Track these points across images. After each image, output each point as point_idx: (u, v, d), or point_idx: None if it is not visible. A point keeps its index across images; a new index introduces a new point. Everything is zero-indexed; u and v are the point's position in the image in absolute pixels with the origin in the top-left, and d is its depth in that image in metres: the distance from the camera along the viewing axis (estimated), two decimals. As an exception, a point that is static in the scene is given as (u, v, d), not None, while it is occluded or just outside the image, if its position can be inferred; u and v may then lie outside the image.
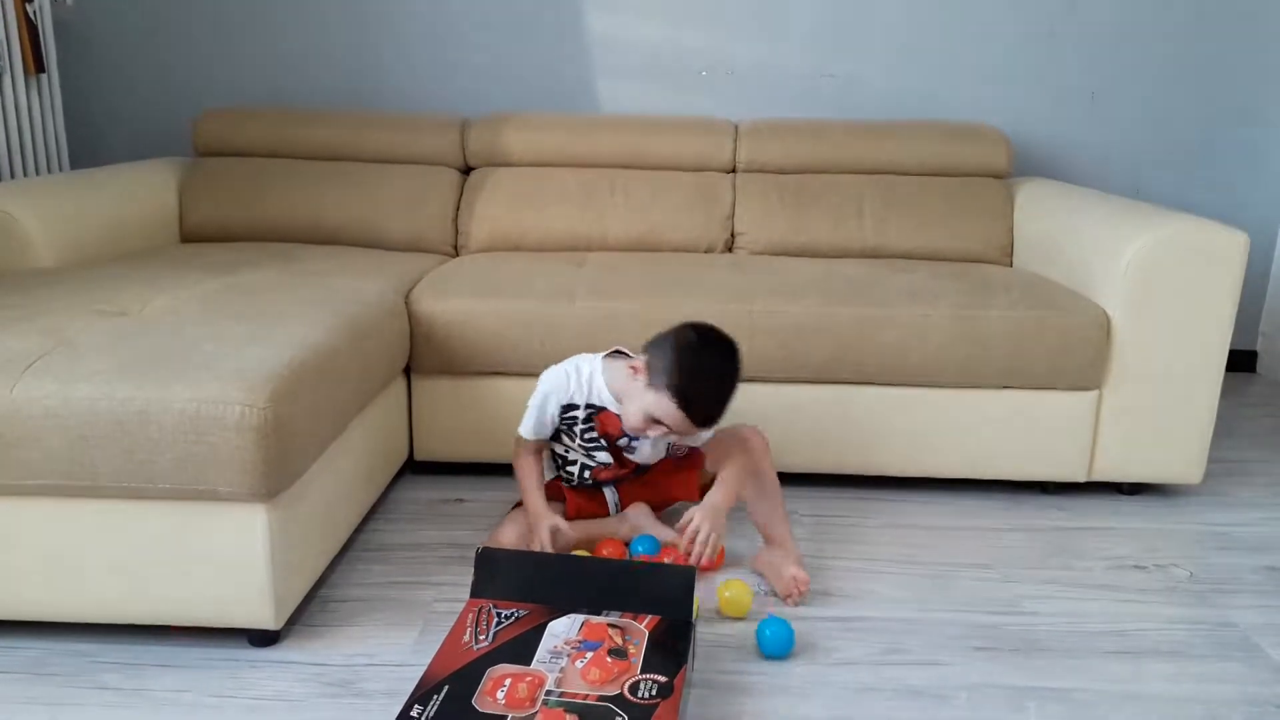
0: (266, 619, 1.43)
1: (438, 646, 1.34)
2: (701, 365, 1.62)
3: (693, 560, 1.63)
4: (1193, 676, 1.46)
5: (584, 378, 1.73)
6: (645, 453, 1.78)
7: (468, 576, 1.46)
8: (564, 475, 1.84)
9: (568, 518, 1.76)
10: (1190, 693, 1.42)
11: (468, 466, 2.10)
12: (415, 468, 2.13)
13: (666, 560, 1.66)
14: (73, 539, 1.39)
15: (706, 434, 1.76)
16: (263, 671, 1.42)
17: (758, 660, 1.47)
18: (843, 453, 2.05)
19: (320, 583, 1.65)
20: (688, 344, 1.63)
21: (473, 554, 1.47)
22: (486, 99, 2.80)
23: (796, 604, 1.62)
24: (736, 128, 2.64)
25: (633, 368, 1.68)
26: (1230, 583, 1.75)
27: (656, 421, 1.63)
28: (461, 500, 2.01)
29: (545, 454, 1.86)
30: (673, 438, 1.70)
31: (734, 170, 2.62)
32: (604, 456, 1.78)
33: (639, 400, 1.64)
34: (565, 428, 1.77)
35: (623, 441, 1.76)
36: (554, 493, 1.81)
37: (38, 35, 2.58)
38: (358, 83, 2.83)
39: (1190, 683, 1.44)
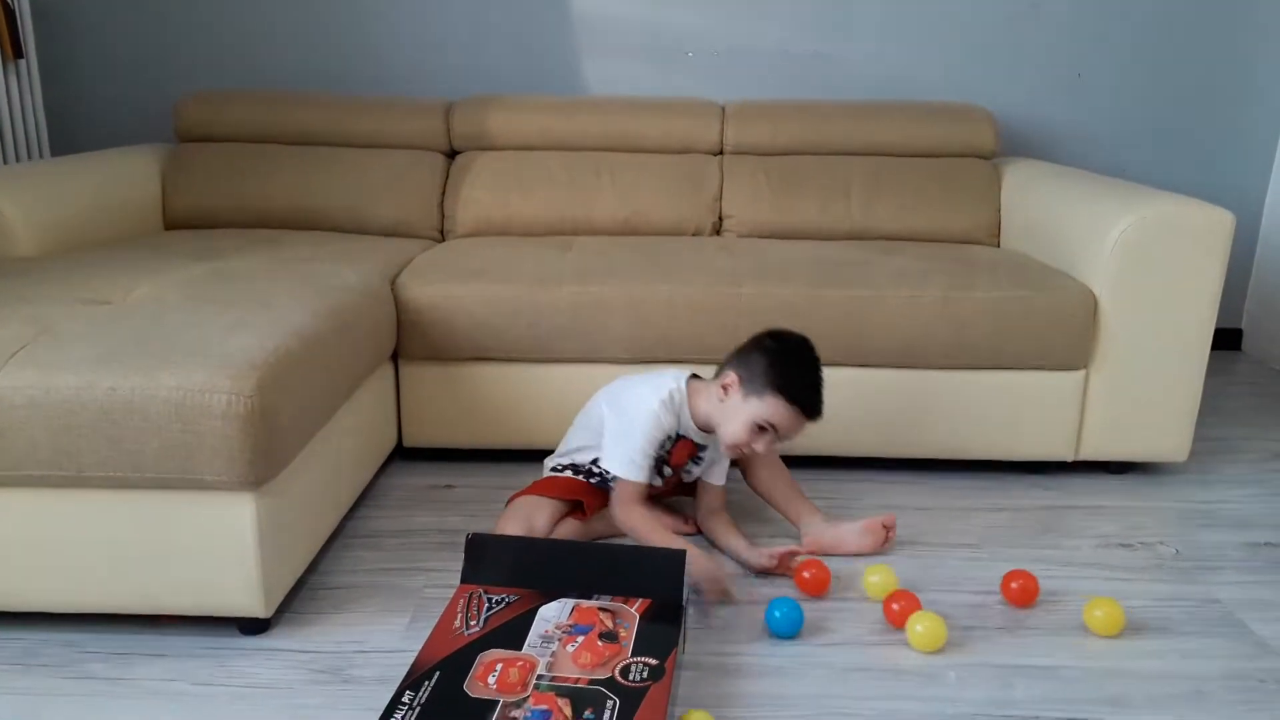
0: (256, 607, 1.43)
1: (428, 632, 1.34)
2: (796, 362, 1.67)
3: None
4: (1178, 652, 1.47)
5: (676, 409, 1.71)
6: (695, 474, 1.82)
7: (458, 562, 1.46)
8: (591, 474, 1.78)
9: (586, 516, 1.74)
10: (1175, 668, 1.43)
11: (457, 452, 2.10)
12: (404, 454, 2.12)
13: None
14: (59, 529, 1.38)
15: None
16: (252, 659, 1.42)
17: (747, 641, 1.48)
18: (830, 434, 2.04)
19: (310, 570, 1.65)
20: (774, 347, 1.68)
21: (463, 539, 1.47)
22: (471, 81, 2.78)
23: (891, 548, 1.73)
24: (723, 109, 2.63)
25: (723, 387, 1.68)
26: (1215, 559, 1.77)
27: (762, 429, 1.65)
28: (451, 486, 2.01)
29: (564, 460, 1.83)
30: (762, 446, 1.67)
31: (721, 152, 2.61)
32: (658, 481, 1.76)
33: (740, 415, 1.65)
34: None
35: (687, 469, 1.79)
36: (550, 489, 1.76)
37: (15, 20, 2.55)
38: (341, 66, 2.80)
39: (1175, 658, 1.46)
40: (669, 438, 1.72)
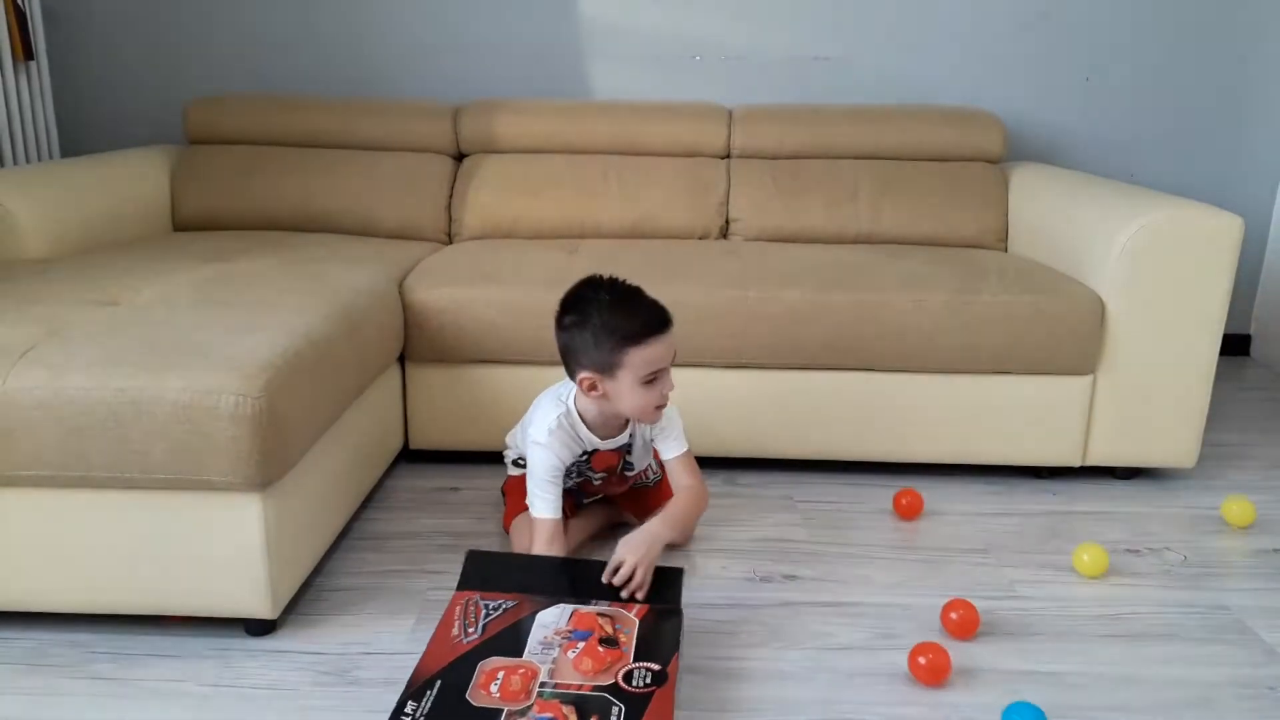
0: (262, 608, 1.43)
1: (428, 639, 1.34)
2: (616, 306, 1.53)
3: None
4: (1185, 659, 1.47)
5: (569, 432, 1.62)
6: (638, 461, 1.74)
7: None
8: None
9: (574, 513, 1.74)
10: (1183, 675, 1.43)
11: (463, 455, 2.10)
12: (410, 456, 2.13)
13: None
14: (67, 529, 1.39)
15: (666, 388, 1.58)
16: (258, 660, 1.42)
17: (750, 646, 1.47)
18: (836, 438, 2.05)
19: (316, 572, 1.65)
20: (582, 307, 1.54)
21: (467, 542, 1.49)
22: (479, 86, 2.79)
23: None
24: (730, 113, 2.63)
25: (588, 386, 1.56)
26: (1223, 566, 1.76)
27: (649, 380, 1.53)
28: (456, 489, 2.01)
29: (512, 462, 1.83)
30: (668, 387, 1.55)
31: (728, 155, 2.61)
32: (599, 479, 1.73)
33: (624, 391, 1.53)
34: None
35: (624, 466, 1.73)
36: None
37: (26, 22, 2.56)
38: (350, 69, 2.81)
39: (1183, 665, 1.45)
40: (579, 457, 1.65)
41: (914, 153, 2.57)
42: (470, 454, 2.09)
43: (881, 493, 2.02)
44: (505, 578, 1.47)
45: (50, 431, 1.32)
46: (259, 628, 1.48)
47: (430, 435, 2.09)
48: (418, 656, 1.29)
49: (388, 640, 1.48)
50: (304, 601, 1.58)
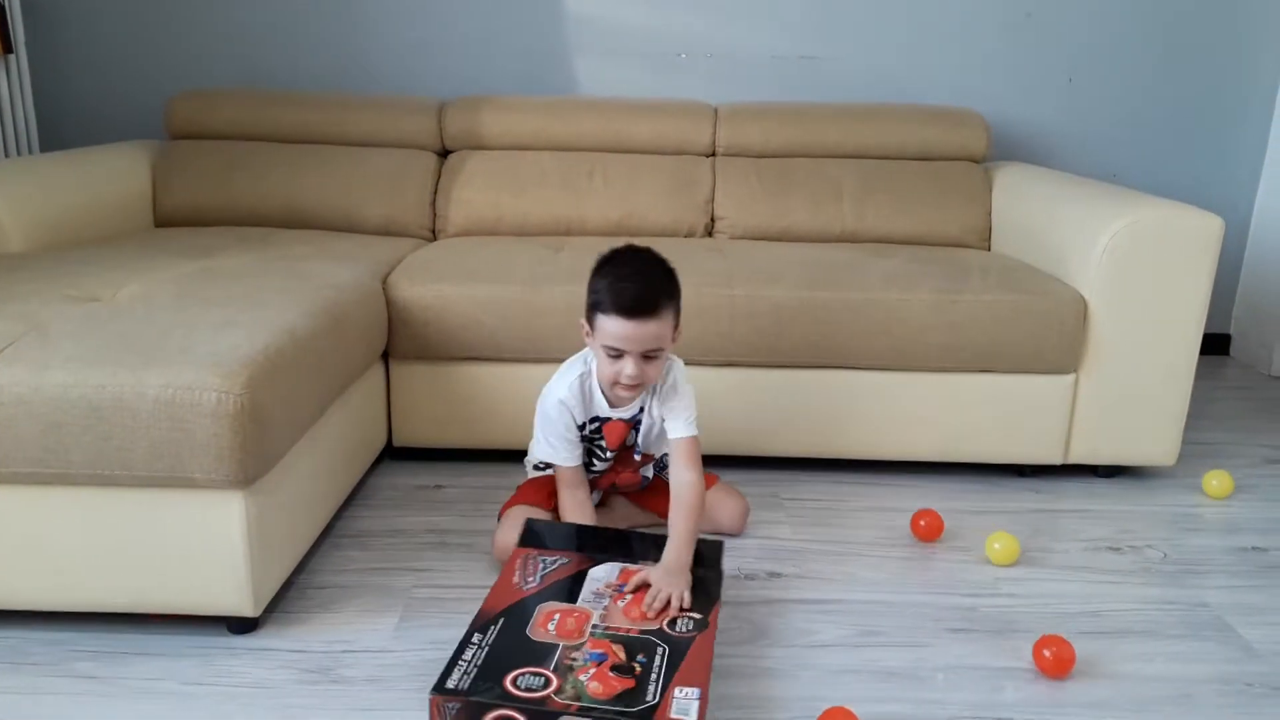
0: (245, 606, 1.42)
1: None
2: (607, 271, 1.57)
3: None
4: (1166, 656, 1.48)
5: (585, 392, 1.67)
6: (644, 442, 1.74)
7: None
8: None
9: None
10: (1163, 672, 1.44)
11: (447, 452, 2.10)
12: (394, 454, 2.12)
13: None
14: (48, 527, 1.38)
15: (655, 371, 1.58)
16: (241, 659, 1.41)
17: (735, 643, 1.48)
18: (821, 436, 2.06)
19: (299, 570, 1.65)
20: (602, 260, 1.60)
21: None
22: (465, 82, 2.78)
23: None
24: (716, 111, 2.63)
25: (585, 331, 1.62)
26: (1203, 564, 1.78)
27: (613, 355, 1.55)
28: (440, 486, 2.01)
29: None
30: (628, 370, 1.54)
31: (713, 154, 2.61)
32: (601, 466, 1.75)
33: (597, 349, 1.59)
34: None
35: (630, 439, 1.73)
36: (536, 495, 1.74)
37: (5, 15, 2.54)
38: (333, 64, 2.80)
39: (1163, 662, 1.46)
40: (589, 421, 1.68)
41: (898, 152, 2.58)
42: (454, 451, 2.09)
43: (865, 490, 2.03)
44: (561, 541, 1.58)
45: (30, 428, 1.31)
46: (241, 626, 1.47)
47: (414, 433, 2.08)
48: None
49: (371, 638, 1.47)
50: (287, 599, 1.57)
